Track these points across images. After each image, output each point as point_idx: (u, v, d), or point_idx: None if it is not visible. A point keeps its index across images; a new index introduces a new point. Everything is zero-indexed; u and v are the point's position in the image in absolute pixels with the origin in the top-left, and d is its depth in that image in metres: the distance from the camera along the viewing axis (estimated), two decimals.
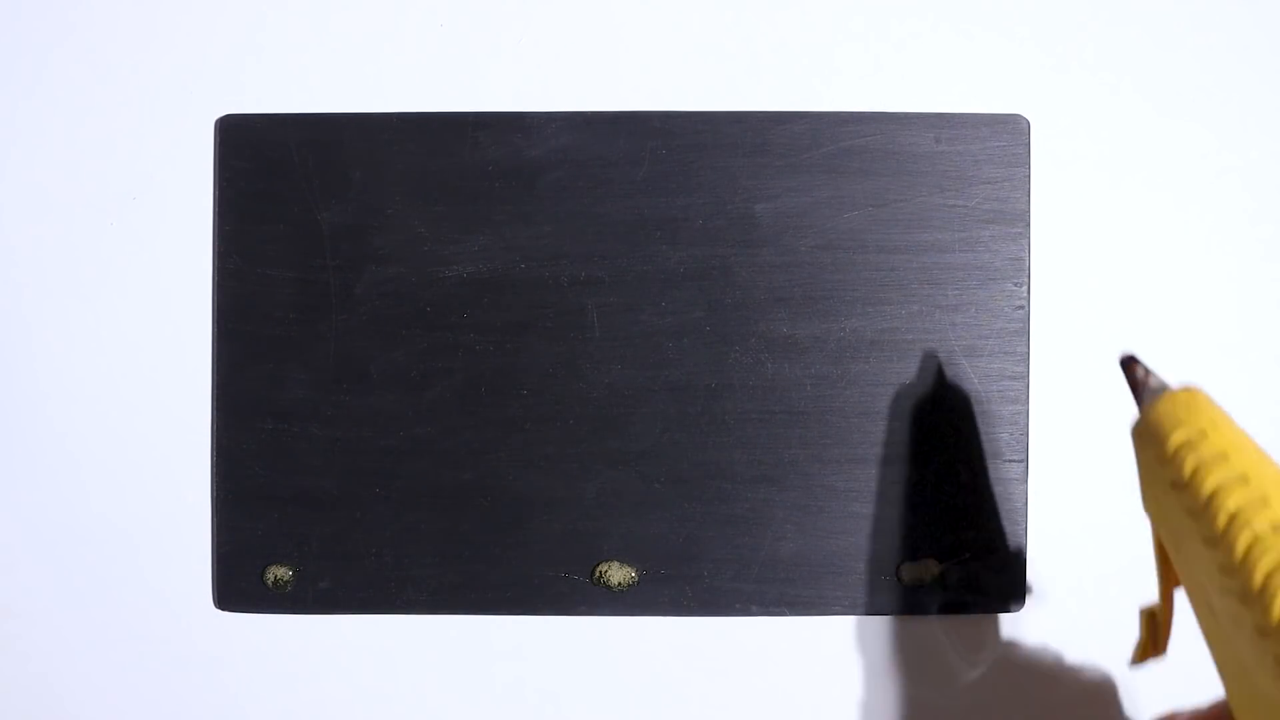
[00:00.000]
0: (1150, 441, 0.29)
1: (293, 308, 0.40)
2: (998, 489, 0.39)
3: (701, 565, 0.39)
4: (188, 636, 0.41)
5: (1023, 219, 0.39)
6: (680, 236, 0.39)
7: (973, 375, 0.39)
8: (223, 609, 0.40)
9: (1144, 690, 0.40)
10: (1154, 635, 0.31)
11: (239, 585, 0.40)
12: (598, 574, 0.39)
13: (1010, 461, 0.39)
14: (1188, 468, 0.27)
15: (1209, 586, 0.27)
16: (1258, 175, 0.40)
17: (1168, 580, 0.30)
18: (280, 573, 0.40)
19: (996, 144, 0.39)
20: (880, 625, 0.40)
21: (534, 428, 0.40)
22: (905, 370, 0.39)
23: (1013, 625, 0.40)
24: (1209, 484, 0.27)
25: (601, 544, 0.40)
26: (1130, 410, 0.30)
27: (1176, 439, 0.28)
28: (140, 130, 0.40)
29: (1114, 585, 0.39)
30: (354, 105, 0.40)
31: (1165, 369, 0.41)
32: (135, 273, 0.40)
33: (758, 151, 0.39)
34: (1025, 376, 0.39)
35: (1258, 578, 0.25)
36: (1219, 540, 0.26)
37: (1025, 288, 0.39)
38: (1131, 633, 0.41)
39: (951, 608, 0.39)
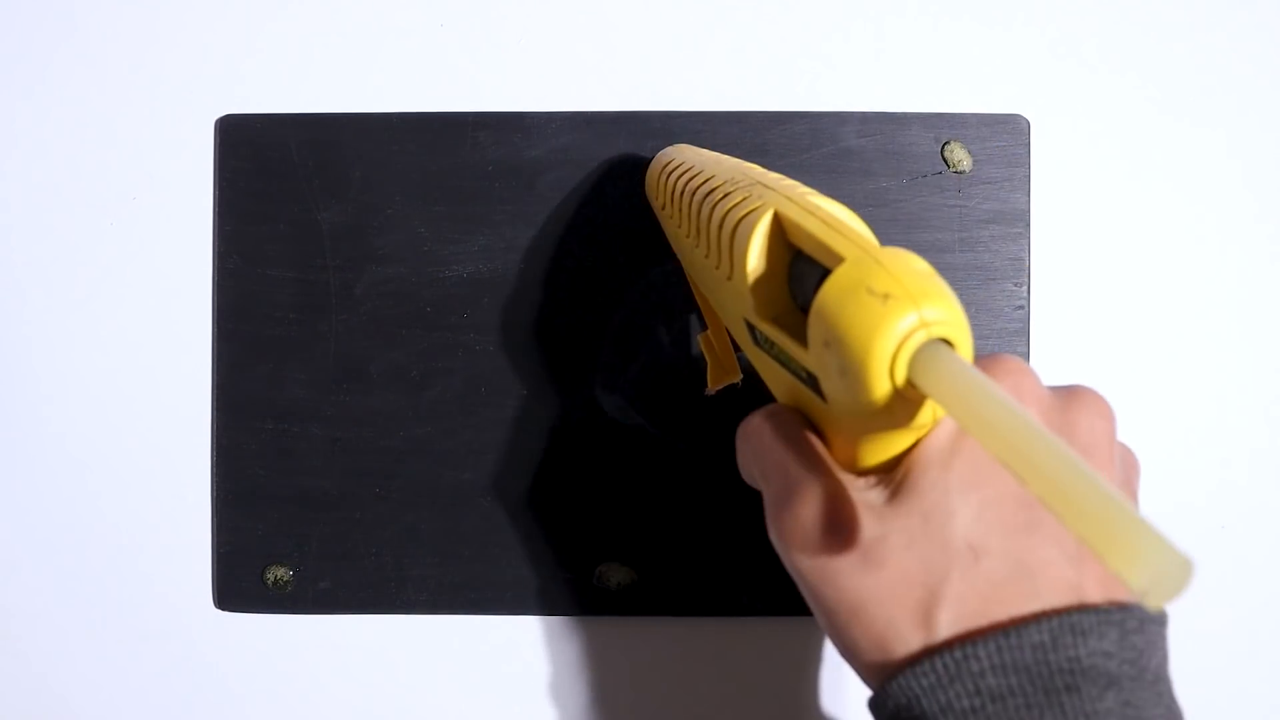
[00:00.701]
0: (652, 199, 0.36)
1: (293, 308, 0.40)
2: None
3: (701, 565, 0.39)
4: (188, 636, 0.41)
5: (1023, 219, 0.39)
6: None
7: None
8: (223, 609, 0.40)
9: None
10: (719, 360, 0.35)
11: (239, 585, 0.40)
12: (598, 574, 0.39)
13: None
14: (661, 193, 0.34)
15: (714, 292, 0.30)
16: (1259, 174, 0.40)
17: (714, 318, 0.35)
18: (280, 573, 0.40)
19: (996, 144, 0.39)
20: None
21: (534, 428, 0.39)
22: None
23: None
24: (674, 190, 0.32)
25: (601, 544, 0.40)
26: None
27: (652, 179, 0.36)
28: (140, 130, 0.40)
29: None
30: (354, 105, 0.40)
31: (1165, 368, 0.41)
32: (135, 273, 0.40)
33: (758, 151, 0.39)
34: None
35: (723, 244, 0.28)
36: (699, 238, 0.30)
37: (1025, 288, 0.39)
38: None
39: None
